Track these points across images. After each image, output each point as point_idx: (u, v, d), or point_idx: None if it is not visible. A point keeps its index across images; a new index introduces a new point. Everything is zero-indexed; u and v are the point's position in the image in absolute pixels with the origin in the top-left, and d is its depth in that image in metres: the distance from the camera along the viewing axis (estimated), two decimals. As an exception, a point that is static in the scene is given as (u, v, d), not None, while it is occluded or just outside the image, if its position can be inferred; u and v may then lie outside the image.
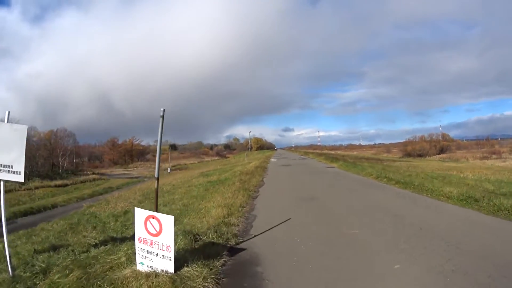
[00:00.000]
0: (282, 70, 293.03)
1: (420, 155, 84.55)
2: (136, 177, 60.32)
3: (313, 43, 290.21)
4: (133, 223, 10.79)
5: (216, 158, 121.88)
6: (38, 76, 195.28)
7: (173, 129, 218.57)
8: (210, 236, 6.48)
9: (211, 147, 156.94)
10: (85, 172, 65.92)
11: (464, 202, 9.53)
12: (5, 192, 5.31)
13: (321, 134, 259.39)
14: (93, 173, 64.00)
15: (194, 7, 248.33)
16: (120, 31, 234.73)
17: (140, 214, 4.84)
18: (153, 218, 4.66)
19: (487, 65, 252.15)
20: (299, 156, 59.49)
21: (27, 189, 42.10)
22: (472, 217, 7.89)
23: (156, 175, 5.38)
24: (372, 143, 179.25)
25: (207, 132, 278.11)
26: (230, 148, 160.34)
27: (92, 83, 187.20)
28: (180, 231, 6.58)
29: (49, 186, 45.61)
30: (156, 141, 5.21)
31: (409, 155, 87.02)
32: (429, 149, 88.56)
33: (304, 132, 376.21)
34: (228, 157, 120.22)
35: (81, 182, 51.37)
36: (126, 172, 74.11)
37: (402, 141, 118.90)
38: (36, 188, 43.28)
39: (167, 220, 4.51)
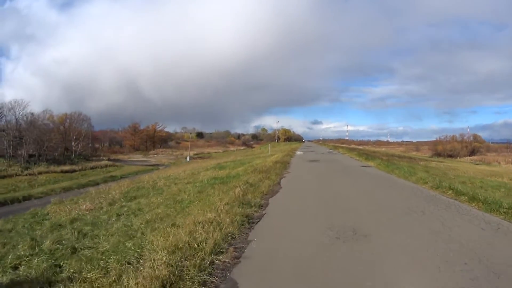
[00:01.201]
0: (312, 63, 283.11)
1: (450, 156, 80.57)
2: (151, 165, 56.90)
3: (344, 36, 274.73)
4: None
5: (242, 148, 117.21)
6: (64, 62, 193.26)
7: (201, 117, 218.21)
8: None
9: (238, 136, 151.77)
10: (100, 157, 63.00)
11: None
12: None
13: (349, 128, 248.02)
14: (108, 159, 61.02)
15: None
16: (148, 18, 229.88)
17: None
18: None
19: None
20: (327, 150, 52.50)
21: (30, 174, 39.43)
22: None
23: None
24: (400, 140, 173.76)
25: (235, 121, 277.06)
26: (257, 138, 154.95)
27: (120, 70, 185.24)
28: None
29: (55, 172, 42.93)
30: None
31: (439, 154, 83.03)
32: (460, 150, 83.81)
33: (333, 125, 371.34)
34: (254, 147, 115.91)
35: (91, 168, 48.55)
36: (145, 159, 70.70)
37: (429, 139, 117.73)
38: (40, 173, 40.69)
39: None
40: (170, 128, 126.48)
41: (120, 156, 70.86)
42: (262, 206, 8.50)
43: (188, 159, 63.49)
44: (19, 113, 53.38)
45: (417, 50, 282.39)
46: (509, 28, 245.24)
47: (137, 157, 73.77)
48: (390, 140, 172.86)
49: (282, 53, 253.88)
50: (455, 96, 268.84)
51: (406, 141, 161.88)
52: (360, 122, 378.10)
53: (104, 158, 62.39)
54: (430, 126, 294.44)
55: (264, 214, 7.69)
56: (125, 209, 11.23)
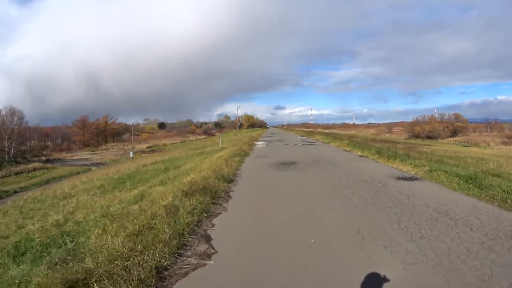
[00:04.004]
0: (274, 48, 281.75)
1: (429, 137, 77.60)
2: (90, 164, 53.85)
3: (305, 21, 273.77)
4: None
5: (203, 137, 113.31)
6: (25, 58, 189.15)
7: (164, 107, 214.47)
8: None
9: (201, 125, 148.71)
10: (41, 157, 59.70)
11: None
12: None
13: (313, 112, 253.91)
14: (47, 160, 57.82)
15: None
16: (107, 9, 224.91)
17: None
18: None
19: (483, 48, 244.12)
20: (300, 138, 38.62)
21: None
22: None
23: None
24: (365, 122, 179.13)
25: (198, 110, 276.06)
26: (220, 126, 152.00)
27: (80, 64, 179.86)
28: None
29: (-25, 182, 38.88)
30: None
31: (417, 136, 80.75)
32: (441, 130, 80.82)
33: (297, 110, 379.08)
34: (215, 136, 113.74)
35: (16, 173, 44.07)
36: (89, 156, 66.57)
37: (394, 121, 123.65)
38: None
39: None
40: (132, 120, 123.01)
41: (64, 155, 66.50)
42: None
43: (131, 155, 59.88)
44: None
45: (381, 32, 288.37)
46: (476, 9, 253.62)
47: (83, 154, 69.48)
48: (356, 122, 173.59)
49: (242, 39, 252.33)
50: (420, 78, 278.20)
51: (372, 123, 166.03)
52: (324, 106, 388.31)
53: (43, 158, 58.77)
54: (395, 107, 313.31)
55: None
56: None
